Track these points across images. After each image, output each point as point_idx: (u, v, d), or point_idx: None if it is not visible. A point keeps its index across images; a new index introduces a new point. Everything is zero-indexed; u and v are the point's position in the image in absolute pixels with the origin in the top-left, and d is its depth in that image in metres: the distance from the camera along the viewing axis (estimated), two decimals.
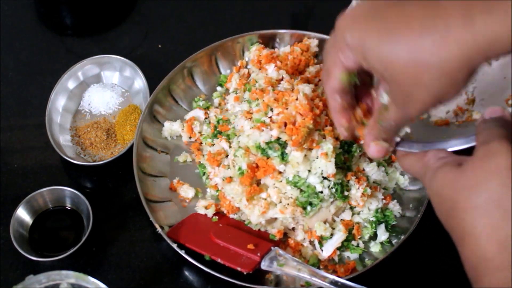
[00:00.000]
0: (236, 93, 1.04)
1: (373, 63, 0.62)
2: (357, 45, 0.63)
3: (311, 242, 0.92)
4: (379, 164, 0.96)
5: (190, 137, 1.04)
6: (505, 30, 0.55)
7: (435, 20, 0.57)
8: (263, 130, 0.89)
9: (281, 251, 0.87)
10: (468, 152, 0.61)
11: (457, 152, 0.65)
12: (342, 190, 0.89)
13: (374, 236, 0.93)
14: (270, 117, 0.90)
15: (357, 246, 0.92)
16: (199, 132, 1.04)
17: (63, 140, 1.04)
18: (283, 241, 0.93)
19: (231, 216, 0.95)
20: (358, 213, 0.93)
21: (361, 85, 0.72)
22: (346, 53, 0.64)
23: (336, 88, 0.70)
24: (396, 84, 0.62)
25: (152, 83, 1.05)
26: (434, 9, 0.57)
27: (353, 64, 0.66)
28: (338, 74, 0.68)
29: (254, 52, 1.07)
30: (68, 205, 0.97)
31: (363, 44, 0.62)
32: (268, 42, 1.09)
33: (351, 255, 0.92)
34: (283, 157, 0.88)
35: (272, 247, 0.88)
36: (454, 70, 0.58)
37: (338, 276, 0.83)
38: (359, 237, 0.92)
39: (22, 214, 0.94)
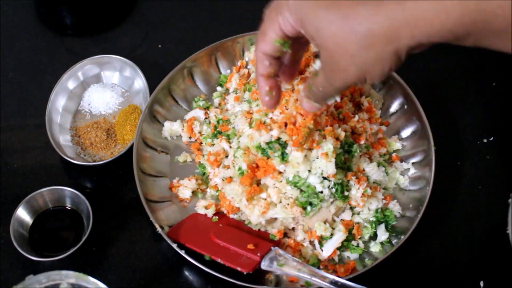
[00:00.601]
0: (236, 93, 1.04)
1: (308, 27, 0.65)
2: (296, 9, 0.66)
3: (311, 242, 0.92)
4: (379, 164, 0.96)
5: (190, 137, 1.04)
6: (432, 11, 0.58)
7: None
8: (263, 130, 0.89)
9: (281, 251, 0.87)
10: None
11: None
12: (342, 190, 0.89)
13: (374, 236, 0.93)
14: (271, 117, 0.90)
15: (357, 246, 0.92)
16: (199, 132, 1.04)
17: (63, 140, 1.04)
18: (283, 241, 0.93)
19: (231, 216, 0.95)
20: (358, 213, 0.93)
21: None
22: (286, 16, 0.67)
23: (268, 52, 0.72)
24: (326, 50, 0.65)
25: (152, 83, 1.05)
26: None
27: (290, 29, 0.68)
28: (274, 38, 0.71)
29: (254, 52, 1.07)
30: (68, 205, 0.97)
31: (301, 8, 0.65)
32: None
33: (351, 255, 0.92)
34: (283, 157, 0.88)
35: (272, 247, 0.88)
36: (381, 43, 0.61)
37: (338, 276, 0.83)
38: (359, 237, 0.92)
39: (22, 214, 0.94)
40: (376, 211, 0.93)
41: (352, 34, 0.61)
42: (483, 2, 0.56)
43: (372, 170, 0.94)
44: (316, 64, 0.69)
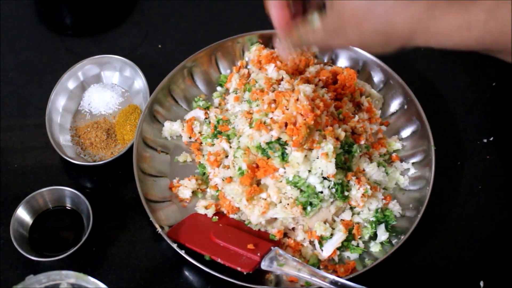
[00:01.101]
0: (236, 93, 1.04)
1: None
2: None
3: (311, 242, 0.92)
4: (379, 164, 0.96)
5: (190, 137, 1.04)
6: (455, 26, 0.60)
7: None
8: (263, 130, 0.89)
9: (281, 251, 0.87)
10: None
11: None
12: (342, 190, 0.89)
13: (374, 236, 0.93)
14: (271, 117, 0.90)
15: (357, 246, 0.92)
16: (199, 132, 1.04)
17: (63, 140, 1.04)
18: (283, 241, 0.93)
19: (231, 216, 0.95)
20: (358, 213, 0.93)
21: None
22: None
23: None
24: (338, 13, 0.66)
25: (152, 83, 1.05)
26: None
27: None
28: None
29: (254, 52, 1.07)
30: (68, 205, 0.96)
31: None
32: (268, 42, 1.09)
33: (351, 255, 0.92)
34: (284, 157, 0.88)
35: (272, 247, 0.88)
36: (394, 37, 0.63)
37: (338, 276, 0.83)
38: (359, 237, 0.92)
39: (22, 214, 0.94)
40: (376, 211, 0.93)
41: (373, 14, 0.62)
42: (508, 24, 0.57)
43: (372, 170, 0.94)
44: (314, 23, 0.71)
